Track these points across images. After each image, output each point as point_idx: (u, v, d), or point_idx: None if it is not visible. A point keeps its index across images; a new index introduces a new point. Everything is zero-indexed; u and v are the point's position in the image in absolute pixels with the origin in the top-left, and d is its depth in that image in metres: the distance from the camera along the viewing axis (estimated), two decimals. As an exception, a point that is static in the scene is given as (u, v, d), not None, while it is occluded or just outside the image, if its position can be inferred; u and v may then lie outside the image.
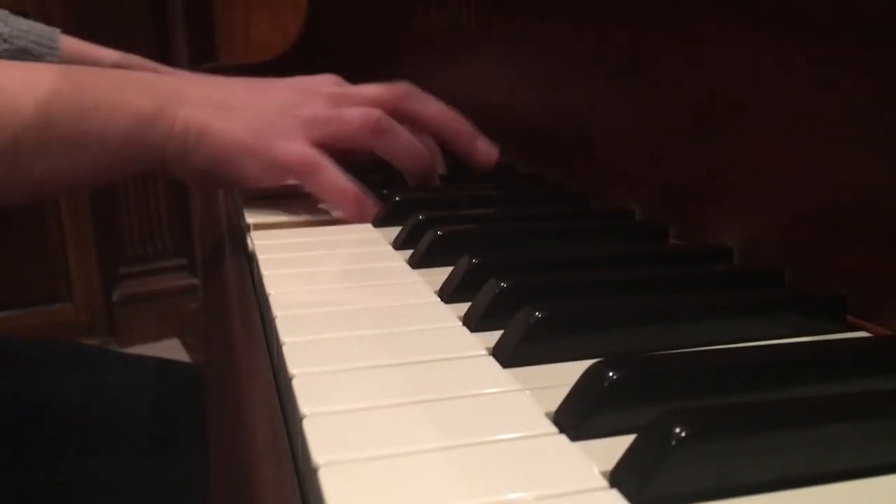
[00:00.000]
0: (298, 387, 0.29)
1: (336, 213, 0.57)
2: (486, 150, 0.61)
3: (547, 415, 0.28)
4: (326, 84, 0.59)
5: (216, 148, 0.53)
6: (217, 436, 0.32)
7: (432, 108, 0.60)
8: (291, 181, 0.56)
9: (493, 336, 0.34)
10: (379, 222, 0.55)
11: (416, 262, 0.45)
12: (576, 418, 0.26)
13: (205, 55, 1.92)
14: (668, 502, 0.22)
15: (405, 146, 0.56)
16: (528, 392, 0.29)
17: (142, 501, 0.62)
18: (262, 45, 1.82)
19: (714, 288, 0.40)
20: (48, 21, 2.01)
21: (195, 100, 0.54)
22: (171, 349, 2.12)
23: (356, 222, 0.54)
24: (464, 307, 0.38)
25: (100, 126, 0.51)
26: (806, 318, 0.36)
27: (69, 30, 2.01)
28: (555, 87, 0.66)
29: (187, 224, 2.18)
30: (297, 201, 0.61)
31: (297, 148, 0.53)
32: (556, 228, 0.51)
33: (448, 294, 0.40)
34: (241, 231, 0.55)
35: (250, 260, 0.50)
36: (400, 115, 0.57)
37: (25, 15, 2.03)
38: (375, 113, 0.55)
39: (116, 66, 0.98)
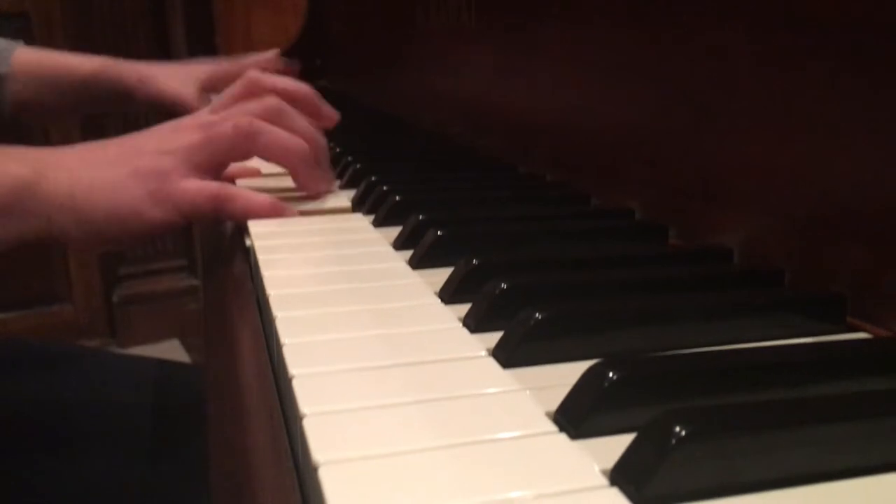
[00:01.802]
0: (298, 387, 0.29)
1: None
2: (330, 111, 0.67)
3: (547, 414, 0.28)
4: (191, 118, 0.60)
5: (111, 201, 0.52)
6: (217, 436, 0.32)
7: (282, 80, 0.64)
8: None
9: (494, 337, 0.34)
10: (379, 223, 0.55)
11: (416, 263, 0.45)
12: (576, 417, 0.27)
13: (205, 55, 1.92)
14: (668, 501, 0.22)
15: (282, 142, 0.57)
16: (528, 392, 0.29)
17: (142, 502, 0.62)
18: (262, 45, 1.82)
19: (714, 288, 0.40)
20: (48, 22, 2.01)
21: (73, 161, 0.54)
22: (171, 350, 2.12)
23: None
24: (464, 308, 0.38)
25: None
26: (806, 318, 0.36)
27: (69, 30, 2.00)
28: (554, 87, 0.66)
29: (187, 225, 2.18)
30: (295, 203, 0.61)
31: (197, 186, 0.53)
32: (556, 229, 0.51)
33: (448, 295, 0.40)
34: (240, 232, 0.55)
35: (250, 260, 0.50)
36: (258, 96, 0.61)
37: (26, 15, 2.03)
38: (244, 119, 0.56)
39: (93, 73, 0.96)
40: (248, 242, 0.52)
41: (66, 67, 0.96)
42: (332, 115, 0.67)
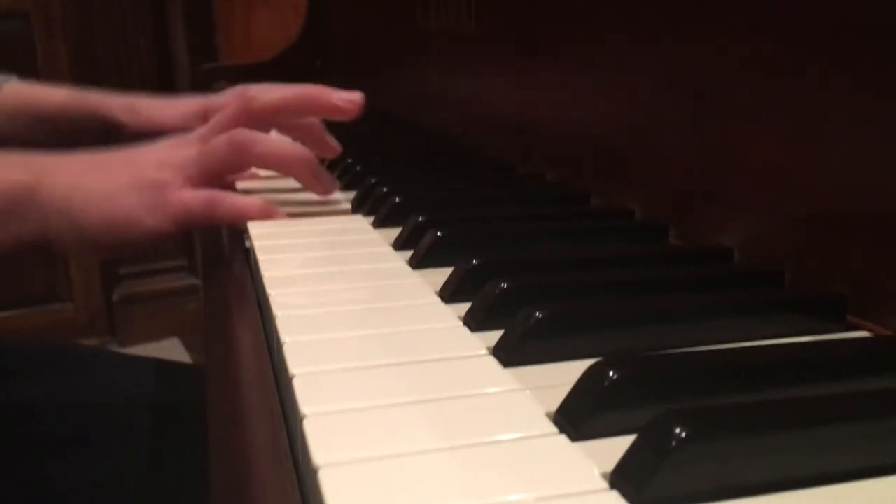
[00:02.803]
0: (298, 387, 0.29)
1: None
2: (346, 97, 0.63)
3: (547, 415, 0.28)
4: (189, 134, 0.61)
5: (107, 210, 0.53)
6: (217, 436, 0.32)
7: (278, 93, 0.63)
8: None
9: (494, 336, 0.34)
10: (379, 223, 0.55)
11: (416, 263, 0.45)
12: (576, 418, 0.26)
13: (205, 55, 1.92)
14: (669, 503, 0.22)
15: (277, 151, 0.58)
16: (528, 392, 0.29)
17: (142, 501, 0.62)
18: (262, 45, 1.82)
19: (714, 288, 0.40)
20: (48, 22, 2.01)
21: (73, 169, 0.54)
22: (171, 349, 2.12)
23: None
24: (464, 307, 0.38)
25: None
26: (806, 318, 0.36)
27: (69, 30, 2.00)
28: (554, 87, 0.66)
29: (187, 224, 2.18)
30: (296, 202, 0.61)
31: (191, 195, 0.54)
32: (556, 228, 0.51)
33: (448, 294, 0.40)
34: (240, 232, 0.55)
35: (250, 260, 0.50)
36: (258, 116, 0.61)
37: (26, 15, 2.03)
38: (238, 132, 0.56)
39: (65, 105, 0.94)
40: (248, 243, 0.52)
41: (40, 95, 0.95)
42: (350, 98, 0.63)
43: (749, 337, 0.35)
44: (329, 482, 0.23)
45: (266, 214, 0.56)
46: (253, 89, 0.63)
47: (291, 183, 0.63)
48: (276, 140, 0.58)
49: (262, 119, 0.61)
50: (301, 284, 0.42)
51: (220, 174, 0.57)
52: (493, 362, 0.32)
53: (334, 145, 0.69)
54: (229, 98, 0.91)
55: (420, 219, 0.50)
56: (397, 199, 0.55)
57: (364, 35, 1.33)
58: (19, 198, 0.51)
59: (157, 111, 0.94)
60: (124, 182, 0.54)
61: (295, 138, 0.66)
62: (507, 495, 0.23)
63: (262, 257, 0.46)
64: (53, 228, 0.52)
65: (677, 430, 0.22)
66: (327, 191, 0.60)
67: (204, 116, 0.96)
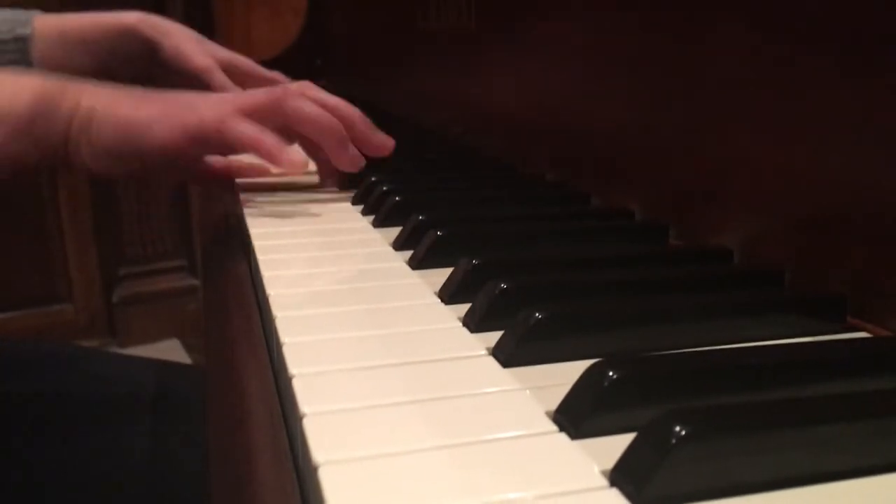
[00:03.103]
0: (298, 387, 0.29)
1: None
2: (383, 142, 0.63)
3: (547, 414, 0.28)
4: (227, 94, 0.63)
5: (126, 115, 0.54)
6: (217, 436, 0.32)
7: (334, 98, 0.62)
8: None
9: (494, 336, 0.34)
10: (379, 223, 0.55)
11: (415, 264, 0.45)
12: (576, 417, 0.27)
13: (204, 55, 1.91)
14: (668, 501, 0.22)
15: (312, 112, 0.58)
16: (528, 391, 0.29)
17: (142, 501, 0.62)
18: (262, 45, 1.82)
19: (714, 288, 0.40)
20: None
21: (101, 86, 0.56)
22: (171, 350, 2.12)
23: (282, 169, 0.55)
24: (464, 308, 0.38)
25: (5, 101, 0.53)
26: (806, 318, 0.36)
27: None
28: (554, 87, 0.66)
29: (187, 225, 2.18)
30: (295, 203, 0.61)
31: (205, 112, 0.55)
32: (556, 229, 0.51)
33: (448, 295, 0.40)
34: (240, 232, 0.55)
35: (250, 260, 0.50)
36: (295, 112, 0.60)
37: (25, 15, 2.02)
38: (279, 88, 0.59)
39: (105, 30, 0.92)
40: (247, 243, 0.52)
41: (93, 24, 0.94)
42: (384, 142, 0.63)
43: (749, 337, 0.35)
44: (329, 481, 0.23)
45: (275, 153, 0.55)
46: (315, 87, 0.62)
47: (291, 183, 0.63)
48: (310, 104, 0.58)
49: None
50: (301, 284, 0.42)
51: (254, 119, 0.57)
52: (492, 362, 0.32)
53: (384, 141, 0.64)
54: (254, 68, 0.90)
55: (420, 219, 0.50)
56: (397, 199, 0.55)
57: (364, 35, 1.33)
58: (45, 104, 0.54)
59: (186, 41, 0.92)
60: (150, 105, 0.55)
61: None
62: (507, 493, 0.23)
63: (261, 257, 0.46)
64: (73, 136, 0.54)
65: (677, 429, 0.22)
66: (353, 166, 0.60)
67: (228, 71, 0.93)
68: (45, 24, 0.91)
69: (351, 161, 0.60)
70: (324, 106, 0.60)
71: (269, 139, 0.55)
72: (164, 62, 0.90)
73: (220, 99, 0.57)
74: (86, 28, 0.92)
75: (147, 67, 0.94)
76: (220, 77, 0.86)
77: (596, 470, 0.24)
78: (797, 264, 0.41)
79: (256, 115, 0.56)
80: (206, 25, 2.00)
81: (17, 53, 0.88)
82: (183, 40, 0.92)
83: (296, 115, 0.58)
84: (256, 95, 0.58)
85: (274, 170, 0.58)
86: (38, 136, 0.54)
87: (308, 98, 0.59)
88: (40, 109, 0.53)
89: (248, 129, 0.55)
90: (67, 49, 0.91)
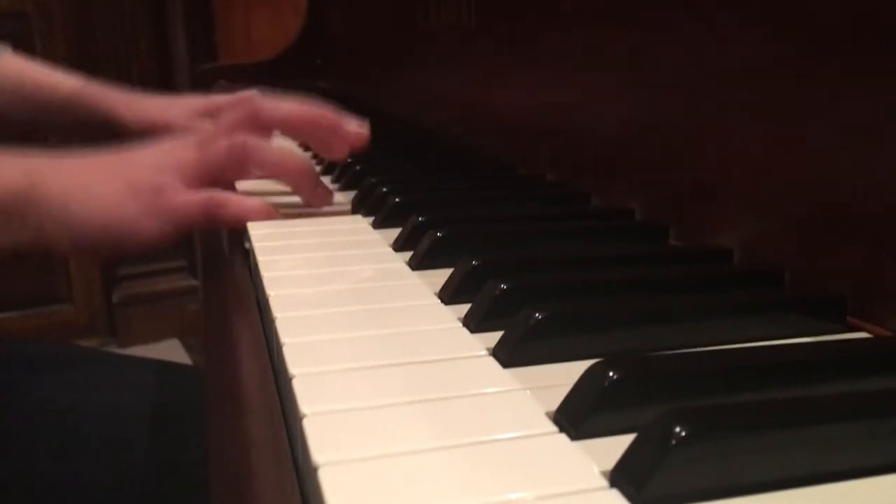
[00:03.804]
0: (298, 387, 0.29)
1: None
2: (357, 130, 0.63)
3: (547, 414, 0.28)
4: (188, 137, 0.61)
5: (105, 215, 0.52)
6: (217, 436, 0.32)
7: (287, 107, 0.62)
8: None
9: (494, 337, 0.34)
10: (379, 224, 0.55)
11: (415, 264, 0.45)
12: (576, 418, 0.26)
13: (205, 55, 1.92)
14: (669, 502, 0.22)
15: (277, 159, 0.58)
16: (528, 392, 0.29)
17: (141, 502, 0.62)
18: (262, 45, 1.82)
19: (714, 288, 0.40)
20: (48, 21, 2.01)
21: (69, 171, 0.54)
22: (171, 350, 2.12)
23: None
24: (464, 308, 0.38)
25: None
26: (806, 318, 0.36)
27: (69, 30, 2.00)
28: (554, 87, 0.66)
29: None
30: (296, 203, 0.61)
31: (188, 198, 0.54)
32: (556, 229, 0.51)
33: (448, 295, 0.40)
34: (240, 233, 0.55)
35: (250, 261, 0.50)
36: (263, 125, 0.61)
37: (25, 15, 2.03)
38: (238, 139, 0.57)
39: (75, 95, 0.94)
40: (247, 244, 0.52)
41: (47, 83, 0.93)
42: (360, 132, 0.64)
43: (749, 337, 0.35)
44: (329, 481, 0.23)
45: (266, 215, 0.56)
46: (264, 100, 0.63)
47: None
48: (276, 148, 0.58)
49: (265, 128, 0.61)
50: (301, 285, 0.42)
51: (218, 179, 0.57)
52: (492, 363, 0.32)
53: (359, 130, 0.65)
54: (233, 99, 0.91)
55: (420, 219, 0.50)
56: (397, 200, 0.55)
57: (364, 35, 1.33)
58: (15, 202, 0.51)
59: (160, 109, 0.93)
60: (122, 187, 0.53)
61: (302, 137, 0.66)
62: (507, 493, 0.23)
63: (261, 258, 0.46)
64: (50, 233, 0.52)
65: (677, 429, 0.22)
66: (322, 203, 0.61)
67: (206, 116, 0.95)
68: (14, 74, 0.91)
69: (320, 200, 0.61)
70: (281, 122, 0.62)
71: (257, 205, 0.55)
72: (131, 133, 0.90)
73: (182, 167, 0.55)
74: (40, 87, 0.93)
75: (105, 133, 0.95)
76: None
77: (596, 470, 0.24)
78: (797, 264, 0.41)
79: (224, 173, 0.57)
80: (206, 25, 2.00)
81: None
82: (154, 110, 0.93)
83: (262, 167, 0.58)
84: (218, 155, 0.56)
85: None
86: (6, 236, 0.52)
87: (263, 119, 0.60)
88: (5, 212, 0.51)
89: (234, 206, 0.54)
90: (15, 102, 0.92)
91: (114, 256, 0.62)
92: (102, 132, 0.94)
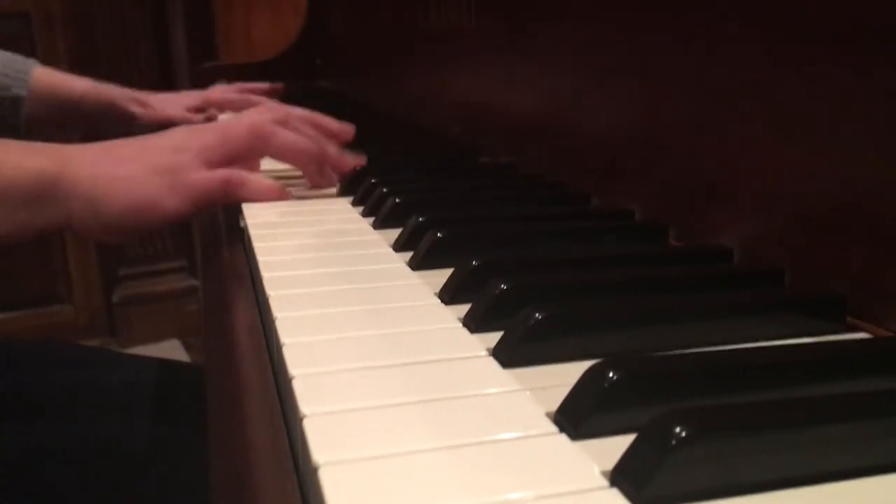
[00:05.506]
0: (298, 387, 0.29)
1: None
2: (342, 126, 0.73)
3: (547, 414, 0.28)
4: (209, 124, 0.65)
5: (129, 194, 0.55)
6: (217, 436, 0.32)
7: (283, 111, 0.68)
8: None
9: (494, 337, 0.34)
10: (379, 224, 0.55)
11: (415, 264, 0.45)
12: (576, 418, 0.26)
13: (205, 55, 1.92)
14: (669, 502, 0.22)
15: (294, 144, 0.63)
16: (528, 392, 0.29)
17: (142, 501, 0.62)
18: (262, 45, 1.82)
19: (714, 288, 0.40)
20: (48, 22, 2.01)
21: (94, 157, 0.57)
22: (171, 350, 2.12)
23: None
24: (464, 308, 0.38)
25: (2, 186, 0.53)
26: (806, 318, 0.36)
27: (69, 30, 2.00)
28: (554, 87, 0.66)
29: (187, 225, 2.18)
30: (295, 204, 0.61)
31: (208, 174, 0.57)
32: (556, 229, 0.51)
33: (448, 295, 0.40)
34: (240, 233, 0.55)
35: (250, 262, 0.50)
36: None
37: (26, 15, 2.03)
38: (258, 121, 0.62)
39: (85, 95, 1.01)
40: (247, 244, 0.52)
41: (62, 86, 1.01)
42: (346, 129, 0.73)
43: (749, 337, 0.35)
44: (329, 481, 0.23)
45: (282, 196, 0.60)
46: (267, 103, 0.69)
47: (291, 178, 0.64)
48: (290, 134, 0.63)
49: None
50: (301, 285, 0.42)
51: (236, 162, 0.60)
52: (492, 363, 0.32)
53: (345, 128, 0.74)
54: (227, 92, 0.98)
55: (420, 219, 0.50)
56: (397, 200, 0.55)
57: (364, 35, 1.33)
58: (44, 185, 0.54)
59: (163, 104, 1.02)
60: (145, 166, 0.56)
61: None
62: (507, 493, 0.23)
63: (261, 258, 0.46)
64: (77, 215, 0.55)
65: (678, 429, 0.22)
66: (327, 185, 0.66)
67: (202, 109, 1.04)
68: (37, 84, 0.97)
69: (326, 183, 0.66)
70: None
71: (273, 186, 0.60)
72: (143, 127, 0.98)
73: (202, 148, 0.59)
74: (61, 91, 1.00)
75: (119, 129, 1.02)
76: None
77: (596, 470, 0.24)
78: (797, 264, 0.41)
79: (243, 155, 0.61)
80: (206, 25, 2.00)
81: (9, 109, 0.95)
82: (162, 106, 1.02)
83: (279, 150, 0.62)
84: (239, 137, 0.60)
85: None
86: (35, 218, 0.55)
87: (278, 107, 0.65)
88: (38, 192, 0.54)
89: (253, 185, 0.59)
90: (50, 110, 0.99)
91: (137, 235, 0.68)
92: (114, 127, 1.00)
